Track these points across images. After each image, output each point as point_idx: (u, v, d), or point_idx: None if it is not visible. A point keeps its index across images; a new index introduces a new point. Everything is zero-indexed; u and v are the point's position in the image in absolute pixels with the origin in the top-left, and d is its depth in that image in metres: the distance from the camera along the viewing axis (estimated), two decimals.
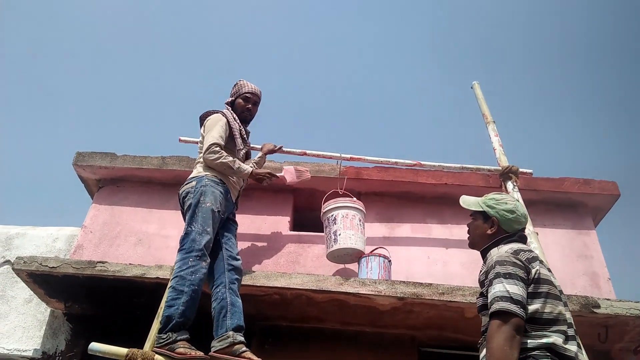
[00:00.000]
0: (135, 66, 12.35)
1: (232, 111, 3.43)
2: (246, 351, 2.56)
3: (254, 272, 3.21)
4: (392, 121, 12.56)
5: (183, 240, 2.89)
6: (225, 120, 3.30)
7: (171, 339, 2.50)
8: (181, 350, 2.46)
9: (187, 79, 12.76)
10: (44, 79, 12.16)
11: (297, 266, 3.77)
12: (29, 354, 3.42)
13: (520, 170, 3.80)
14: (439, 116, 12.06)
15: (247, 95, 3.46)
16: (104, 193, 4.19)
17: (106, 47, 12.09)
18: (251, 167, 3.62)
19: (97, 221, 4.00)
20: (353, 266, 3.67)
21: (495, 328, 1.86)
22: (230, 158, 3.15)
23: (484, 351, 2.06)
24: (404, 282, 3.09)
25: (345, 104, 12.62)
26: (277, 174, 3.48)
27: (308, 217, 4.32)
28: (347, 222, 3.41)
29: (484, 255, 2.24)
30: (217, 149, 3.12)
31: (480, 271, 2.18)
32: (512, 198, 2.30)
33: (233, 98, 3.49)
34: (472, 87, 4.56)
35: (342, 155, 3.94)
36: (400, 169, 4.05)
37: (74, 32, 11.55)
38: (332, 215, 3.43)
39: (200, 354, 2.46)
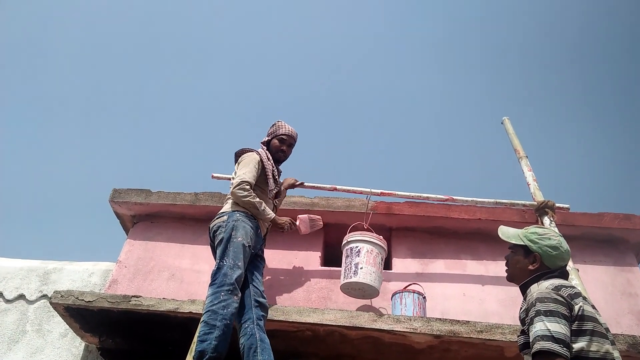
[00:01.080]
0: (167, 100, 12.72)
1: (266, 150, 3.53)
2: None
3: (285, 307, 3.18)
4: (424, 157, 12.53)
5: (215, 274, 2.91)
6: (260, 160, 3.40)
7: None
8: None
9: (220, 117, 13.07)
10: (80, 113, 12.65)
11: (329, 302, 3.72)
12: None
13: (557, 205, 3.72)
14: (471, 151, 11.97)
15: (283, 137, 3.59)
16: (139, 228, 4.27)
17: (137, 77, 12.55)
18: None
19: (131, 256, 4.07)
20: (386, 303, 3.61)
21: None
22: (258, 200, 3.24)
23: None
24: (440, 319, 3.01)
25: (376, 139, 12.70)
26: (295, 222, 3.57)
27: (339, 253, 4.29)
28: (371, 259, 3.37)
29: (523, 290, 2.17)
30: (248, 187, 3.21)
31: (521, 308, 2.11)
32: (555, 233, 2.23)
33: (269, 138, 3.62)
34: (502, 123, 4.55)
35: (373, 190, 3.95)
36: (432, 204, 4.01)
37: (106, 59, 12.02)
38: (357, 247, 3.41)
39: None
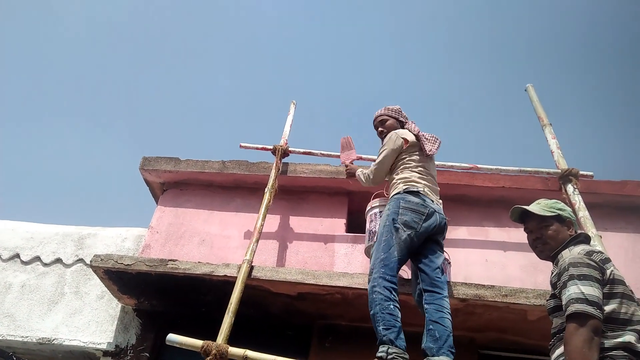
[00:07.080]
0: (195, 74, 12.73)
1: None
2: None
3: (316, 271, 3.29)
4: (448, 125, 12.53)
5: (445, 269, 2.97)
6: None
7: None
8: None
9: (246, 87, 13.09)
10: (114, 85, 12.76)
11: (354, 266, 3.84)
12: (103, 346, 3.62)
13: (581, 172, 3.76)
14: (495, 119, 11.93)
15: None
16: (169, 196, 4.39)
17: (169, 56, 12.58)
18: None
19: (162, 222, 4.20)
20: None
21: (573, 330, 1.85)
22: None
23: (556, 352, 2.07)
24: (465, 283, 3.11)
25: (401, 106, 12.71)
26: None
27: (363, 220, 4.38)
28: None
29: (553, 257, 2.24)
30: None
31: (552, 273, 2.18)
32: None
33: (401, 120, 3.45)
34: (525, 90, 4.53)
35: None
36: (456, 172, 4.07)
37: (141, 38, 12.05)
38: (374, 213, 3.50)
39: None
